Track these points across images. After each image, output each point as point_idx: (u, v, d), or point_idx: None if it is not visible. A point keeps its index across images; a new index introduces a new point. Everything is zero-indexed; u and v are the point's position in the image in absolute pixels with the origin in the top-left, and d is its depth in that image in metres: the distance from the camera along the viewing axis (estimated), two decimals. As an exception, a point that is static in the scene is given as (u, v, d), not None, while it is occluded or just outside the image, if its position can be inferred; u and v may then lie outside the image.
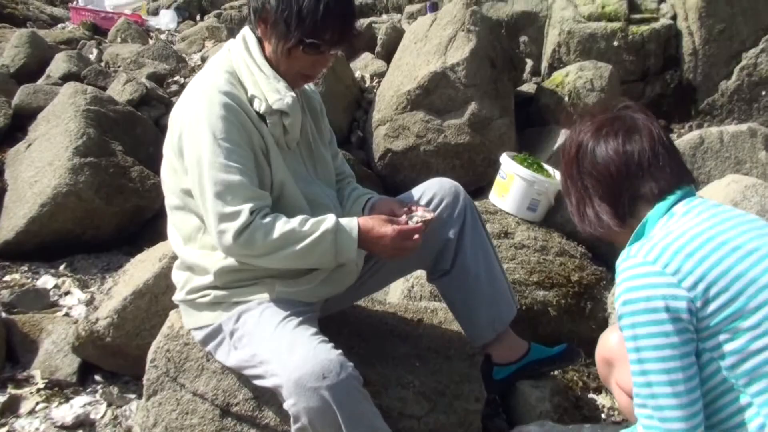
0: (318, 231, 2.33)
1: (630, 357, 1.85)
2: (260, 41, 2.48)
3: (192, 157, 2.35)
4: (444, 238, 2.72)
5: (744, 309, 1.77)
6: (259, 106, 2.41)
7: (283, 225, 2.31)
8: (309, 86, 2.75)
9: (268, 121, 2.43)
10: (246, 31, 2.53)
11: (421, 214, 2.52)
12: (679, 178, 1.99)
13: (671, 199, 1.95)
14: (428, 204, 2.70)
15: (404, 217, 2.52)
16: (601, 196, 2.03)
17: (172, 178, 2.50)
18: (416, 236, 2.44)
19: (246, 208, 2.28)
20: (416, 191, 2.74)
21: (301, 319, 2.34)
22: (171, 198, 2.53)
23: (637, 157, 1.97)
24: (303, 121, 2.57)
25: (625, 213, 2.01)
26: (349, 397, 2.17)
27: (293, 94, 2.45)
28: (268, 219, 2.31)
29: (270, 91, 2.42)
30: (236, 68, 2.47)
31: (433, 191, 2.73)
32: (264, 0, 2.41)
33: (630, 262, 1.86)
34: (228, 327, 2.43)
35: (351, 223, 2.40)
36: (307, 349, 2.20)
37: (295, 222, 2.33)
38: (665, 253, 1.81)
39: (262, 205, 2.34)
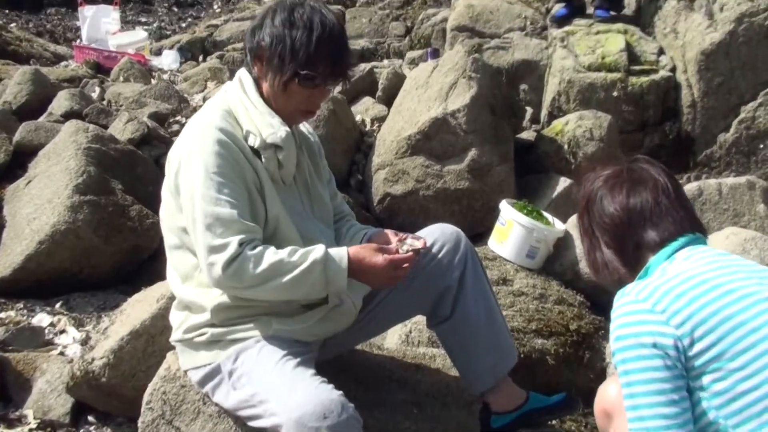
0: (307, 261, 2.33)
1: (622, 392, 1.91)
2: (257, 81, 2.53)
3: (186, 192, 2.37)
4: (444, 284, 2.71)
5: (731, 350, 1.81)
6: (254, 141, 2.45)
7: (271, 256, 2.31)
8: (306, 127, 2.79)
9: (262, 156, 2.46)
10: (242, 72, 2.59)
11: (410, 243, 2.52)
12: (683, 225, 2.06)
13: (674, 245, 2.02)
14: (429, 250, 2.69)
15: (395, 245, 2.52)
16: (608, 244, 2.13)
17: (169, 217, 2.51)
18: (406, 265, 2.45)
19: (235, 240, 2.29)
20: (417, 234, 2.74)
21: (299, 359, 2.33)
22: (169, 237, 2.55)
23: (640, 208, 2.07)
24: (300, 159, 2.60)
25: (631, 261, 2.09)
26: None
27: (287, 128, 2.49)
28: (257, 250, 2.31)
29: (264, 126, 2.46)
30: (232, 107, 2.52)
31: (434, 236, 2.73)
32: (258, 38, 2.48)
33: (623, 300, 1.95)
34: (226, 367, 2.42)
35: (340, 252, 2.40)
36: (308, 388, 2.20)
37: (283, 253, 2.33)
38: (656, 293, 1.89)
39: (252, 237, 2.34)
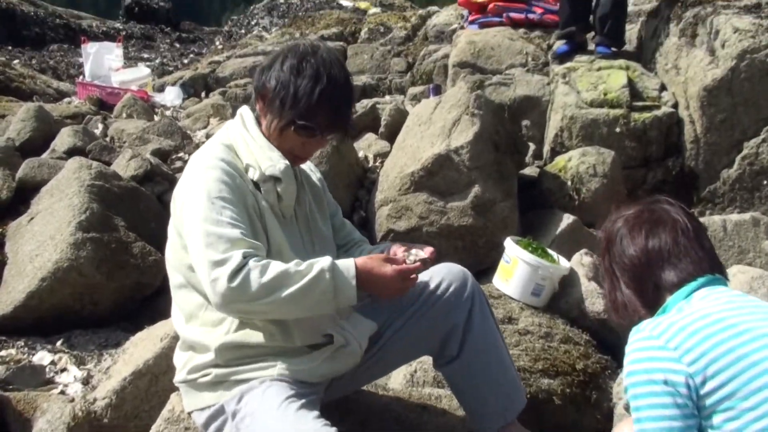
0: (314, 270, 2.32)
1: (634, 428, 1.92)
2: (258, 119, 2.58)
3: (189, 219, 2.38)
4: (452, 323, 2.69)
5: (744, 389, 1.81)
6: (254, 174, 2.48)
7: (277, 266, 2.30)
8: (308, 164, 2.81)
9: (262, 189, 2.48)
10: (243, 109, 2.65)
11: (416, 252, 2.53)
12: (702, 266, 2.08)
13: (692, 285, 2.04)
14: (436, 289, 2.69)
15: (401, 254, 2.53)
16: (628, 285, 2.16)
17: (175, 255, 2.52)
18: (413, 275, 2.47)
19: (238, 253, 2.28)
20: (424, 275, 2.73)
21: (304, 401, 2.31)
22: (174, 276, 2.54)
23: (659, 249, 2.09)
24: (301, 196, 2.63)
25: (651, 301, 2.11)
26: None
27: (286, 162, 2.51)
28: (262, 261, 2.30)
29: (263, 159, 2.50)
30: (233, 141, 2.56)
31: (441, 276, 2.73)
32: (265, 78, 2.53)
33: (637, 336, 1.97)
34: (230, 408, 2.39)
35: (348, 263, 2.39)
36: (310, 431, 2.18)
37: (290, 263, 2.33)
38: (670, 329, 1.91)
39: (256, 252, 2.33)
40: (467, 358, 2.70)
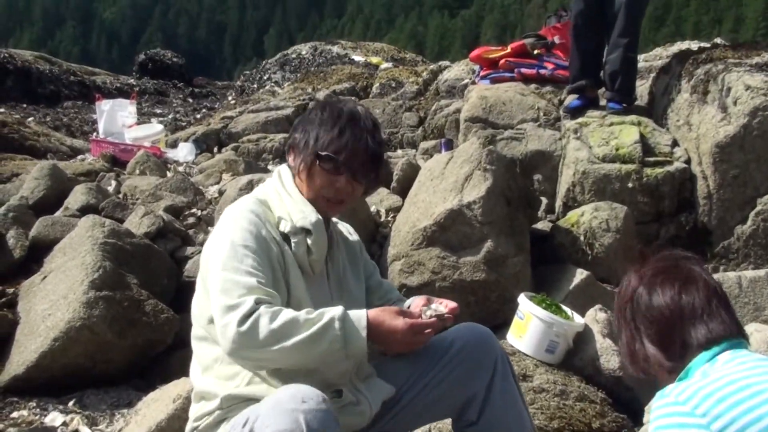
0: (324, 318, 2.31)
1: None
2: (294, 177, 2.64)
3: (212, 268, 2.41)
4: (473, 390, 2.64)
5: None
6: (285, 227, 2.52)
7: (288, 313, 2.29)
8: (347, 227, 2.91)
9: (292, 241, 2.50)
10: (282, 167, 2.73)
11: (435, 308, 2.49)
12: (730, 328, 2.05)
13: (716, 348, 2.01)
14: (457, 353, 2.64)
15: (419, 309, 2.50)
16: (652, 338, 2.12)
17: (198, 307, 2.55)
18: (428, 330, 2.43)
19: (251, 299, 2.29)
20: (446, 336, 2.70)
21: None
22: (196, 329, 2.56)
23: (692, 307, 2.06)
24: (335, 254, 2.67)
25: (676, 357, 2.07)
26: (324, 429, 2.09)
27: (318, 215, 2.54)
28: (273, 308, 2.30)
29: (295, 212, 2.54)
30: (267, 196, 2.62)
31: (463, 340, 2.68)
32: (291, 134, 2.68)
33: (662, 402, 1.92)
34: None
35: (359, 313, 2.38)
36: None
37: (300, 311, 2.32)
38: (696, 395, 1.86)
39: (270, 300, 2.33)
40: (486, 425, 2.64)
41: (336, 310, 2.34)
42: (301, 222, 2.51)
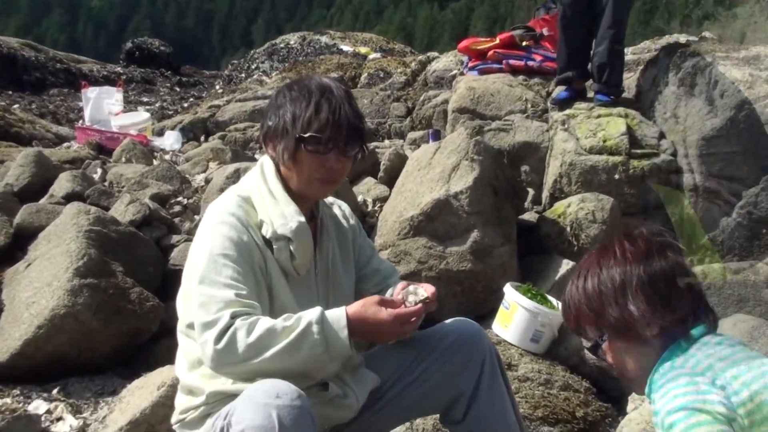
0: (301, 324, 2.26)
1: None
2: (278, 167, 2.53)
3: (191, 279, 2.38)
4: (458, 390, 2.62)
5: None
6: (267, 231, 2.43)
7: (264, 323, 2.24)
8: (343, 210, 2.78)
9: (274, 246, 2.43)
10: (265, 158, 2.59)
11: (419, 293, 2.42)
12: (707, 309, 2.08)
13: (701, 329, 2.01)
14: (446, 349, 2.62)
15: (400, 296, 2.43)
16: (645, 299, 2.05)
17: (183, 305, 2.50)
18: (414, 318, 2.38)
19: (227, 313, 2.24)
20: (436, 330, 2.69)
21: None
22: (182, 326, 2.53)
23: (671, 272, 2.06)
24: (325, 245, 2.59)
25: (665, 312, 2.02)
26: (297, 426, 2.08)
27: (301, 219, 2.45)
28: (250, 319, 2.25)
29: (276, 216, 2.44)
30: (251, 193, 2.51)
31: (454, 335, 2.66)
32: (266, 121, 2.52)
33: (675, 373, 1.91)
34: (218, 423, 2.29)
35: (338, 312, 2.32)
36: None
37: (278, 319, 2.27)
38: (701, 364, 1.90)
39: (247, 311, 2.28)
40: (470, 424, 2.62)
41: (313, 314, 2.29)
42: (281, 230, 2.42)
